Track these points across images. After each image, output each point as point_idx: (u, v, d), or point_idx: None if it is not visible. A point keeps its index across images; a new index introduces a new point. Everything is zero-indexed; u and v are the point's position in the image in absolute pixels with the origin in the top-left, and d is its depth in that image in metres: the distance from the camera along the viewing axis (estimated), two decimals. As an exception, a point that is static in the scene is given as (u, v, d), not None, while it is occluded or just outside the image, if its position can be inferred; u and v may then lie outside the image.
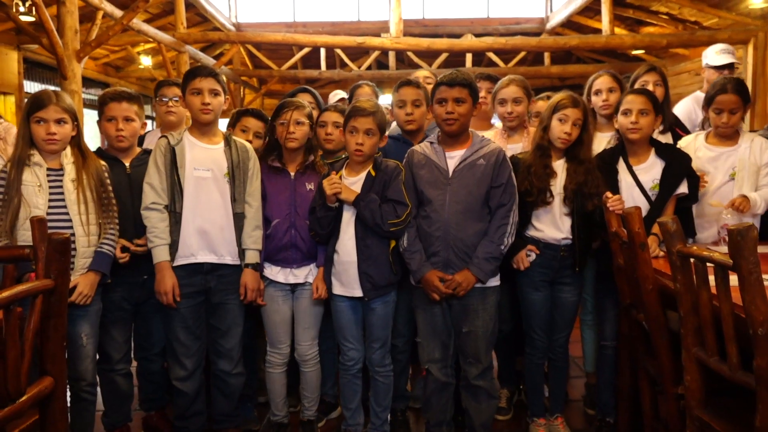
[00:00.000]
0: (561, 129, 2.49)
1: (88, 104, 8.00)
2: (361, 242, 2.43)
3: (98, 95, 2.68)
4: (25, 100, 7.42)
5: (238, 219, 2.50)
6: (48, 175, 2.29)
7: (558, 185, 2.52)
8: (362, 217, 2.39)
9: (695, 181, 2.61)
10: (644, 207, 2.52)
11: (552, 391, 2.75)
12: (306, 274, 2.59)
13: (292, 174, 2.59)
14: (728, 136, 2.75)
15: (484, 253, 2.34)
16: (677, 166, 2.58)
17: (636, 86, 2.98)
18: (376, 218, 2.36)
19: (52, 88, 6.45)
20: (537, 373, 2.70)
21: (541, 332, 2.63)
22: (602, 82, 2.94)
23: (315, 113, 2.76)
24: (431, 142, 2.48)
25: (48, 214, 2.23)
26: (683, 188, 2.57)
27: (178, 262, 2.44)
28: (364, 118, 2.39)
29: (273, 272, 2.59)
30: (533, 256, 2.55)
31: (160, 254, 2.40)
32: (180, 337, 2.48)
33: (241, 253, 2.51)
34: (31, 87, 8.04)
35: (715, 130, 2.76)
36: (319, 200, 2.44)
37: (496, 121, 3.17)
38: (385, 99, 3.95)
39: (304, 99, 2.83)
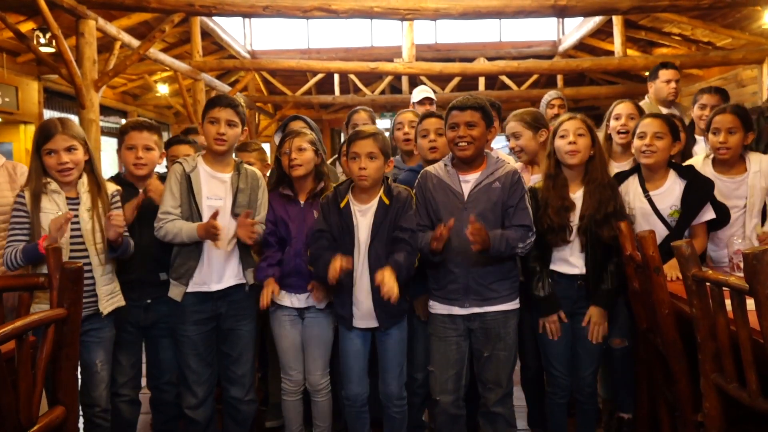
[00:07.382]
0: (564, 143, 2.43)
1: (107, 132, 8.14)
2: (374, 272, 2.37)
3: (117, 123, 2.75)
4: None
5: (246, 247, 2.51)
6: (67, 204, 2.31)
7: (575, 216, 2.43)
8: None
9: (723, 206, 2.56)
10: (662, 234, 2.45)
11: None
12: (309, 297, 2.55)
13: (302, 202, 2.58)
14: (731, 163, 2.70)
15: (503, 234, 2.27)
16: (699, 189, 2.51)
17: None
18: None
19: (71, 116, 6.56)
20: (560, 414, 2.55)
21: (562, 368, 2.49)
22: (624, 107, 2.95)
23: None
24: (445, 164, 2.42)
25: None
26: (710, 214, 2.52)
27: (192, 288, 2.45)
28: (364, 141, 2.36)
29: (281, 296, 2.55)
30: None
31: (190, 230, 2.38)
32: (191, 364, 2.48)
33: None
34: (51, 116, 8.18)
35: (714, 152, 2.71)
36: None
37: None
38: (383, 124, 3.98)
39: (297, 126, 2.84)
